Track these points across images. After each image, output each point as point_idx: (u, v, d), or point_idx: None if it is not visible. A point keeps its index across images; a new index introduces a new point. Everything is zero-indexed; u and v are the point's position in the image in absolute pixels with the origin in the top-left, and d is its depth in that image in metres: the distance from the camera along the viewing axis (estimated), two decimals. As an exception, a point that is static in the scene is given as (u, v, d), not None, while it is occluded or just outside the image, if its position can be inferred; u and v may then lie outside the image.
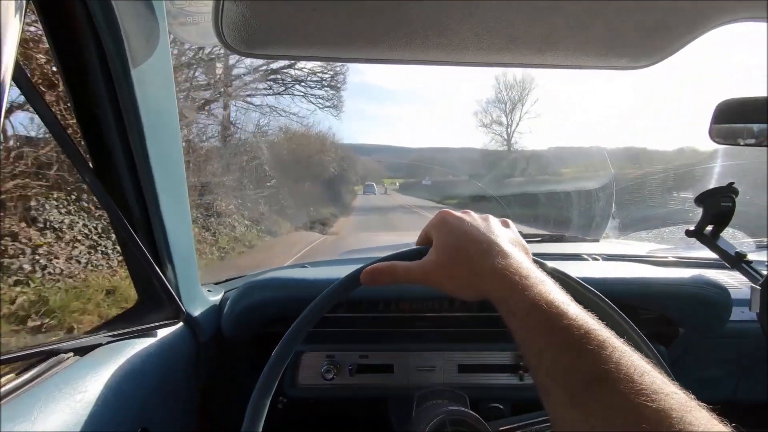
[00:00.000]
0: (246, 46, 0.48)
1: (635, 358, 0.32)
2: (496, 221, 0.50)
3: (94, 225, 4.01)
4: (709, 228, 0.93)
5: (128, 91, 0.59)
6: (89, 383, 0.56)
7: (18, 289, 3.20)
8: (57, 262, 3.55)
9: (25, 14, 0.35)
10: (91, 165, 0.64)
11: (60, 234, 3.75)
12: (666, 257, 1.26)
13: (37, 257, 3.44)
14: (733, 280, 1.09)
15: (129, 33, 0.55)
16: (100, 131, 0.63)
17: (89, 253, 3.86)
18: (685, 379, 0.33)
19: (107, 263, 3.88)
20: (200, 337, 0.83)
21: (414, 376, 0.84)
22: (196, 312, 0.84)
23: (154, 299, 0.76)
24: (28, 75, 0.48)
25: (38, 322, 3.08)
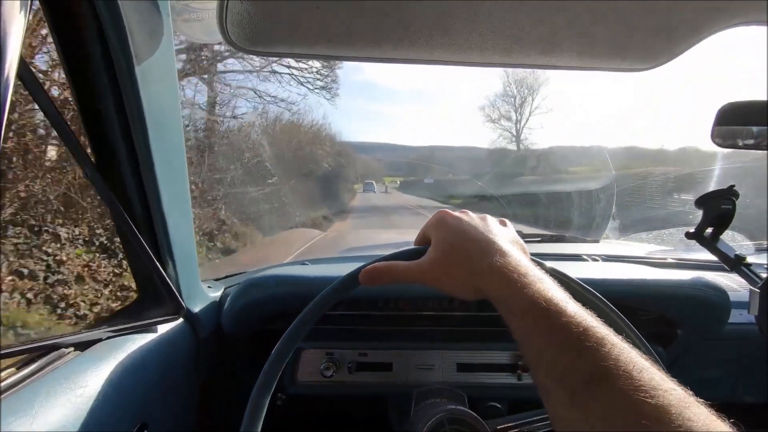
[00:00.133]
0: (250, 44, 0.47)
1: (633, 355, 0.33)
2: (494, 220, 0.50)
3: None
4: (709, 230, 0.93)
5: (132, 87, 0.59)
6: (89, 378, 0.56)
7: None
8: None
9: (30, 10, 0.35)
10: (93, 161, 0.64)
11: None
12: (665, 259, 1.26)
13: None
14: (732, 283, 1.09)
15: (133, 29, 0.55)
16: (103, 127, 0.63)
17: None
18: (683, 379, 0.33)
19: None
20: (200, 333, 0.83)
21: (413, 374, 0.84)
22: (197, 308, 0.84)
23: (155, 295, 0.76)
24: (32, 70, 0.48)
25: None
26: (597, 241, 1.48)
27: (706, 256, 0.99)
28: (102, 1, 0.51)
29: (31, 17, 0.42)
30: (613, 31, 0.50)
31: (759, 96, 0.78)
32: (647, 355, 0.49)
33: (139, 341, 0.68)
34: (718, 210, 0.90)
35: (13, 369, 0.53)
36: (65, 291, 3.23)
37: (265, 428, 0.45)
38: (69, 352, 0.60)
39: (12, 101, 0.37)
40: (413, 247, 0.52)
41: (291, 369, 0.84)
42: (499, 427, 0.65)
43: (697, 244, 0.94)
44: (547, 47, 0.51)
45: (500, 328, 0.40)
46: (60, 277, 3.26)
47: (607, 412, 0.30)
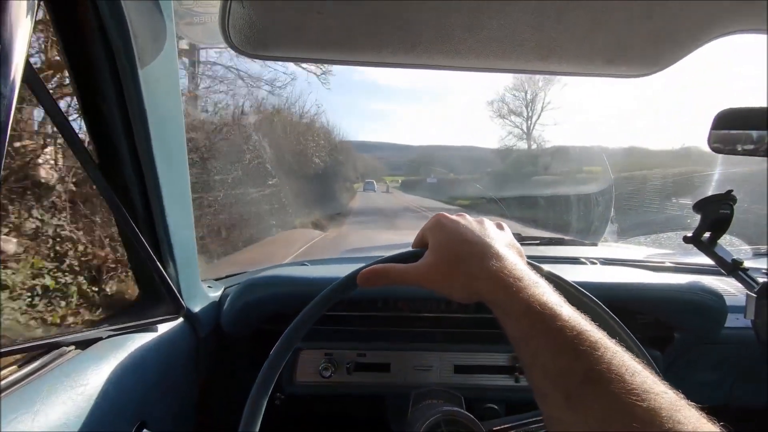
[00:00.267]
0: (251, 48, 0.48)
1: (626, 359, 0.33)
2: (490, 224, 0.51)
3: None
4: (707, 234, 0.93)
5: (134, 88, 0.60)
6: (90, 376, 0.57)
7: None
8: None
9: (36, 14, 0.36)
10: (96, 161, 0.65)
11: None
12: (663, 262, 1.27)
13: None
14: (729, 287, 1.10)
15: (137, 32, 0.56)
16: (106, 127, 0.63)
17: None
18: (680, 383, 0.33)
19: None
20: (200, 332, 0.83)
21: (411, 375, 0.85)
22: (197, 308, 0.84)
23: (155, 294, 0.76)
24: (37, 72, 0.49)
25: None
26: (595, 245, 1.49)
27: (704, 260, 0.99)
28: (106, 5, 0.52)
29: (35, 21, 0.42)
30: (611, 38, 0.50)
31: (758, 103, 0.79)
32: (641, 358, 0.49)
33: (140, 340, 0.68)
34: (716, 214, 0.90)
35: (14, 367, 0.54)
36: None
37: (264, 428, 0.46)
38: (70, 351, 0.60)
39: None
40: (411, 249, 0.52)
41: (290, 369, 0.85)
42: (495, 429, 0.65)
43: (695, 248, 0.95)
44: (546, 53, 0.52)
45: (498, 331, 0.41)
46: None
47: (600, 415, 0.30)
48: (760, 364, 0.93)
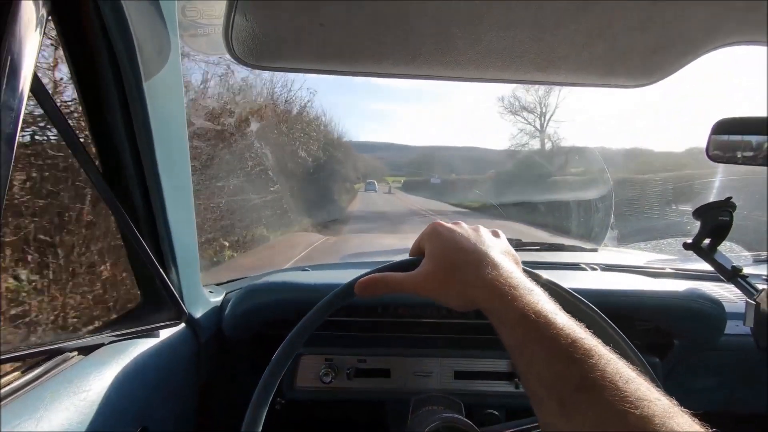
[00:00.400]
0: (254, 59, 0.49)
1: (620, 366, 0.34)
2: (486, 232, 0.51)
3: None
4: (707, 241, 0.93)
5: (139, 99, 0.61)
6: (93, 382, 0.58)
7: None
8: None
9: (44, 27, 0.36)
10: (99, 168, 0.65)
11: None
12: (663, 268, 1.27)
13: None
14: (729, 294, 1.10)
15: (141, 43, 0.57)
16: (111, 136, 0.64)
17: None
18: (679, 390, 0.34)
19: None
20: (201, 337, 0.84)
21: (411, 381, 0.85)
22: (198, 313, 0.85)
23: (157, 300, 0.77)
24: (43, 82, 0.49)
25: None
26: (596, 250, 1.49)
27: (704, 266, 1.00)
28: (112, 17, 0.53)
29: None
30: (610, 49, 0.51)
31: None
32: (638, 365, 0.50)
33: (142, 346, 0.69)
34: (715, 221, 0.90)
35: (18, 373, 0.54)
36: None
37: None
38: (73, 357, 0.61)
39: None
40: (408, 258, 0.53)
41: (290, 374, 0.85)
42: None
43: (695, 254, 0.95)
44: (545, 64, 0.53)
45: (497, 337, 0.41)
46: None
47: (593, 422, 0.31)
48: (760, 371, 0.93)
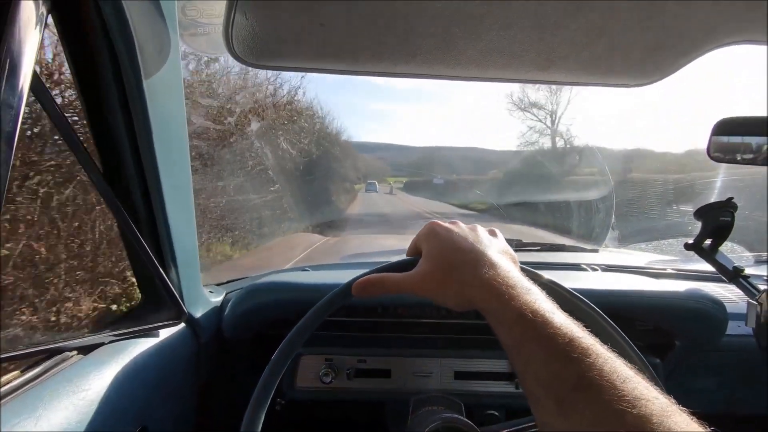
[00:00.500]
0: (254, 58, 0.49)
1: (618, 365, 0.34)
2: (483, 231, 0.51)
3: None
4: (708, 241, 0.93)
5: (139, 98, 0.61)
6: (92, 381, 0.57)
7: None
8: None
9: (44, 26, 0.36)
10: (100, 168, 0.65)
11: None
12: (664, 269, 1.27)
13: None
14: (730, 294, 1.10)
15: (142, 42, 0.57)
16: (111, 135, 0.64)
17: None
18: (680, 390, 0.34)
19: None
20: (201, 337, 0.84)
21: (411, 381, 0.85)
22: (198, 313, 0.85)
23: (157, 300, 0.77)
24: (43, 81, 0.49)
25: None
26: (596, 251, 1.49)
27: (705, 267, 1.00)
28: (112, 16, 0.53)
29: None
30: (609, 49, 0.51)
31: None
32: (638, 364, 0.50)
33: (141, 345, 0.69)
34: (716, 222, 0.90)
35: (17, 372, 0.54)
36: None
37: None
38: (72, 356, 0.61)
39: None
40: (405, 258, 0.53)
41: (290, 375, 0.85)
42: None
43: (696, 255, 0.95)
44: (546, 63, 0.53)
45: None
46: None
47: (591, 421, 0.31)
48: (761, 372, 0.93)
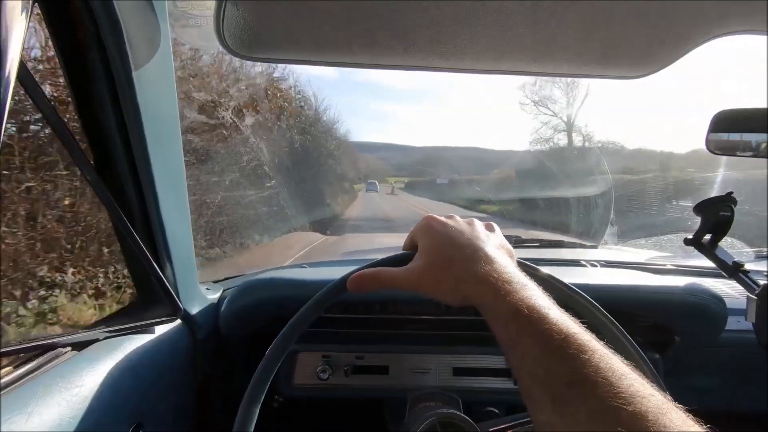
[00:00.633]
0: (246, 50, 0.48)
1: (615, 361, 0.33)
2: (480, 225, 0.51)
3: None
4: (708, 237, 0.93)
5: (129, 91, 0.60)
6: (86, 378, 0.57)
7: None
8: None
9: (30, 14, 0.36)
10: (92, 162, 0.65)
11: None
12: (664, 265, 1.26)
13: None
14: (730, 290, 1.09)
15: (131, 34, 0.56)
16: (102, 129, 0.64)
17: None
18: (680, 387, 0.33)
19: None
20: (198, 334, 0.83)
21: (409, 378, 0.84)
22: (194, 310, 0.84)
23: (153, 296, 0.76)
24: (32, 73, 0.49)
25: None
26: (595, 247, 1.49)
27: (705, 262, 0.99)
28: (100, 8, 0.52)
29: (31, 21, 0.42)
30: (606, 39, 0.50)
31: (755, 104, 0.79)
32: (637, 359, 0.49)
33: (137, 342, 0.68)
34: (716, 217, 0.90)
35: (10, 368, 0.54)
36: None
37: (261, 430, 0.46)
38: (66, 352, 0.60)
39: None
40: (401, 252, 0.52)
41: (287, 372, 0.84)
42: (491, 430, 0.65)
43: (696, 250, 0.94)
44: (540, 55, 0.52)
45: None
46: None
47: (586, 418, 0.30)
48: (762, 367, 0.92)
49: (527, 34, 0.48)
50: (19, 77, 0.45)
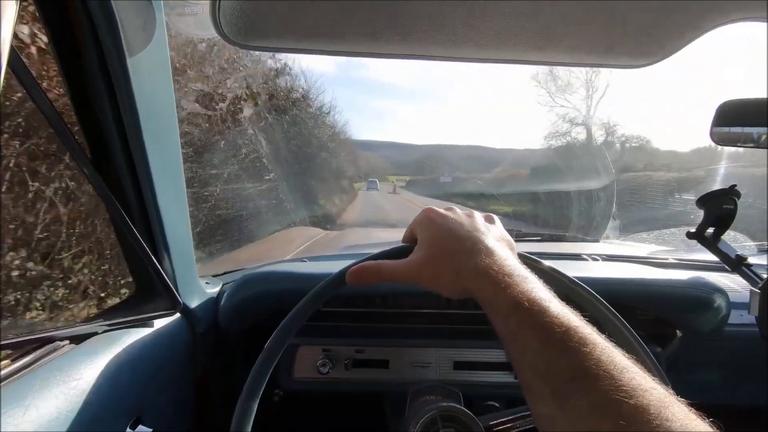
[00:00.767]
0: (243, 38, 0.47)
1: (616, 355, 0.33)
2: (480, 217, 0.50)
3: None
4: (711, 230, 0.92)
5: (124, 80, 0.59)
6: (84, 371, 0.57)
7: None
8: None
9: (19, 3, 0.35)
10: (88, 155, 0.64)
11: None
12: (666, 259, 1.25)
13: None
14: (733, 283, 1.08)
15: (126, 23, 0.55)
16: (98, 122, 0.63)
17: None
18: (682, 381, 0.33)
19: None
20: (197, 328, 0.83)
21: (409, 372, 0.84)
22: (193, 303, 0.84)
23: (151, 290, 0.76)
24: (26, 64, 0.48)
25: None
26: (597, 241, 1.48)
27: (708, 256, 0.99)
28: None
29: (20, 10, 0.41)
30: (609, 27, 0.49)
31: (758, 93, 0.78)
32: (639, 351, 0.49)
33: (135, 335, 0.68)
34: (719, 210, 0.89)
35: (7, 361, 0.53)
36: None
37: (262, 424, 0.46)
38: (64, 345, 0.60)
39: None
40: (400, 245, 0.52)
41: (288, 365, 0.84)
42: (492, 423, 0.64)
43: (698, 244, 0.94)
44: (543, 43, 0.51)
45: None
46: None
47: (586, 411, 0.30)
48: (764, 361, 0.92)
49: (530, 22, 0.47)
50: (13, 69, 0.44)
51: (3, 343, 0.53)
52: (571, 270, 0.55)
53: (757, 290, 0.82)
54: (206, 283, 0.96)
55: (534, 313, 0.36)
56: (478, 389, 0.84)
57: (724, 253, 0.91)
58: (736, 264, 0.89)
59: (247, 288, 0.86)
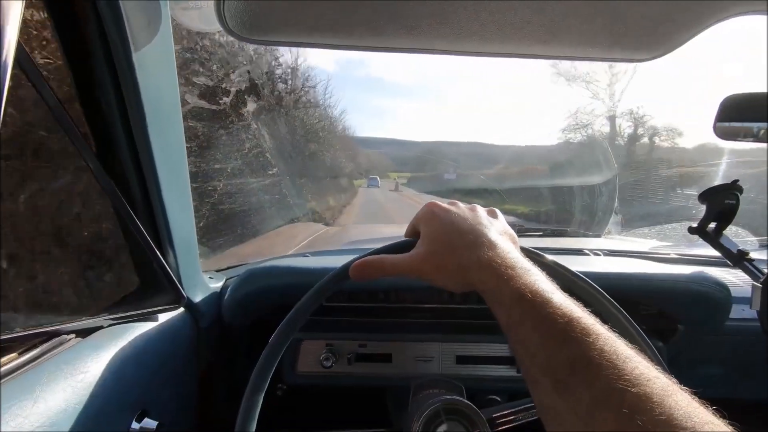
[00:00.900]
0: (248, 32, 0.48)
1: (619, 345, 0.33)
2: (483, 211, 0.50)
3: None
4: (712, 225, 0.92)
5: (130, 75, 0.59)
6: (90, 365, 0.57)
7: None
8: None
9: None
10: (94, 149, 0.64)
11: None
12: (668, 254, 1.26)
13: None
14: (735, 278, 1.08)
15: (132, 18, 0.55)
16: (103, 116, 0.63)
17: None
18: (684, 376, 0.33)
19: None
20: (201, 322, 0.84)
21: (412, 366, 0.85)
22: (197, 298, 0.84)
23: (156, 284, 0.76)
24: (32, 58, 0.48)
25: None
26: (599, 236, 1.48)
27: (710, 251, 0.99)
28: None
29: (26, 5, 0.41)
30: (613, 21, 0.49)
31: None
32: (644, 347, 0.49)
33: (140, 329, 0.69)
34: (721, 205, 0.89)
35: (14, 354, 0.54)
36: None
37: (265, 418, 0.46)
38: (70, 339, 0.61)
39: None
40: (403, 239, 0.52)
41: (291, 360, 0.85)
42: (495, 416, 0.65)
43: (700, 239, 0.94)
44: (547, 37, 0.51)
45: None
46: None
47: (590, 401, 0.30)
48: (766, 355, 0.92)
49: (534, 15, 0.47)
50: (20, 64, 0.44)
51: (10, 336, 0.53)
52: (573, 265, 0.55)
53: (758, 285, 0.82)
54: (210, 277, 0.96)
55: (537, 305, 0.36)
56: (481, 383, 0.85)
57: (726, 248, 0.91)
58: (738, 259, 0.89)
59: (250, 283, 0.87)
